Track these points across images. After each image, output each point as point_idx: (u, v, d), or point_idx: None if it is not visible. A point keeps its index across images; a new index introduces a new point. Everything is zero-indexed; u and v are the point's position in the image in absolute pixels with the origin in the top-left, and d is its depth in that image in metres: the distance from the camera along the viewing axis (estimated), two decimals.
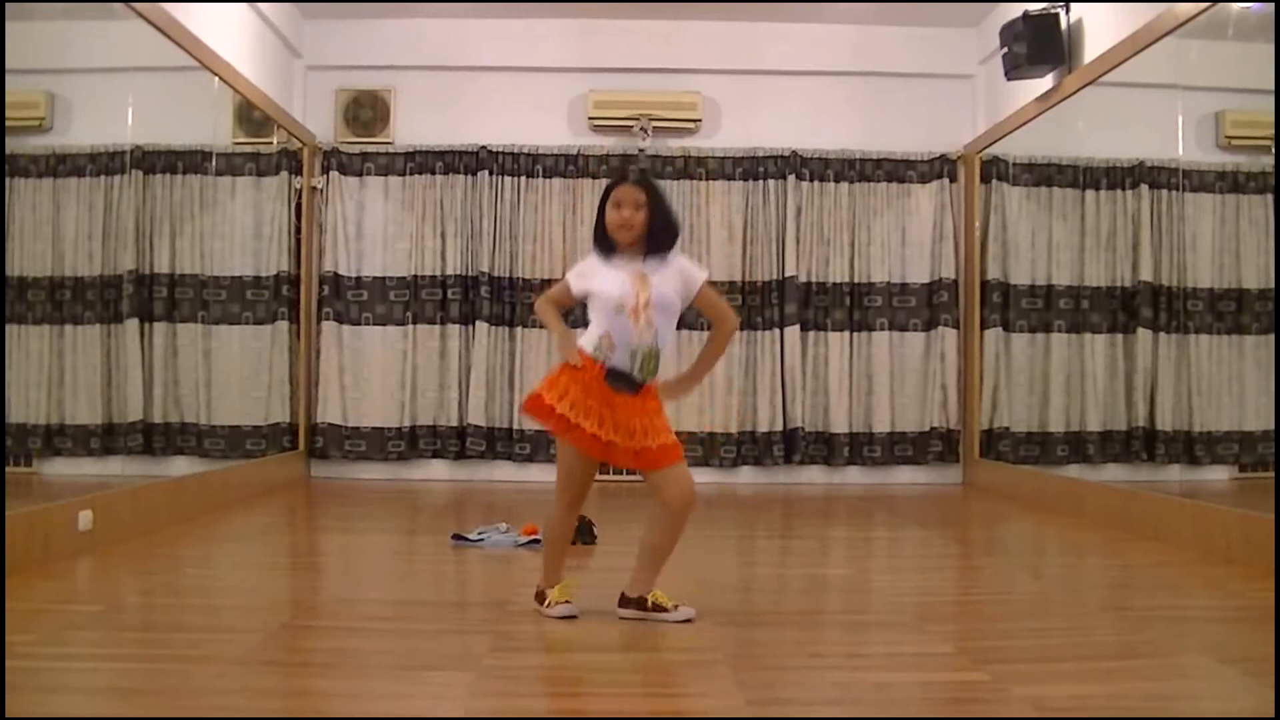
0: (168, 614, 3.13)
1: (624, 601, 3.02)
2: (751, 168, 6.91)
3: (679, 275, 3.02)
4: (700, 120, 6.91)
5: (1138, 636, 2.89)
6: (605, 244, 3.02)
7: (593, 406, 2.89)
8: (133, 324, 4.84)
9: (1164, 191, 5.26)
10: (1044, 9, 5.59)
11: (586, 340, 2.97)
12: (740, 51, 6.96)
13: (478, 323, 6.79)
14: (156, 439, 5.06)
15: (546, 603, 3.05)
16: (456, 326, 6.83)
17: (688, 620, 2.95)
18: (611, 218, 2.97)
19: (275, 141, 6.48)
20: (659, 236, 2.99)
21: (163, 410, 5.11)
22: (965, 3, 6.55)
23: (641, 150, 6.87)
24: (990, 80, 6.68)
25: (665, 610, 2.97)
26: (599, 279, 2.98)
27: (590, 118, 6.89)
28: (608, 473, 5.08)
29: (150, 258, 5.06)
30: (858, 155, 6.93)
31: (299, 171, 6.73)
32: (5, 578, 3.26)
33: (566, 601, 3.03)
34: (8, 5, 3.51)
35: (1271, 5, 4.16)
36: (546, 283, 6.80)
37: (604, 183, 6.52)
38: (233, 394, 5.94)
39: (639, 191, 2.98)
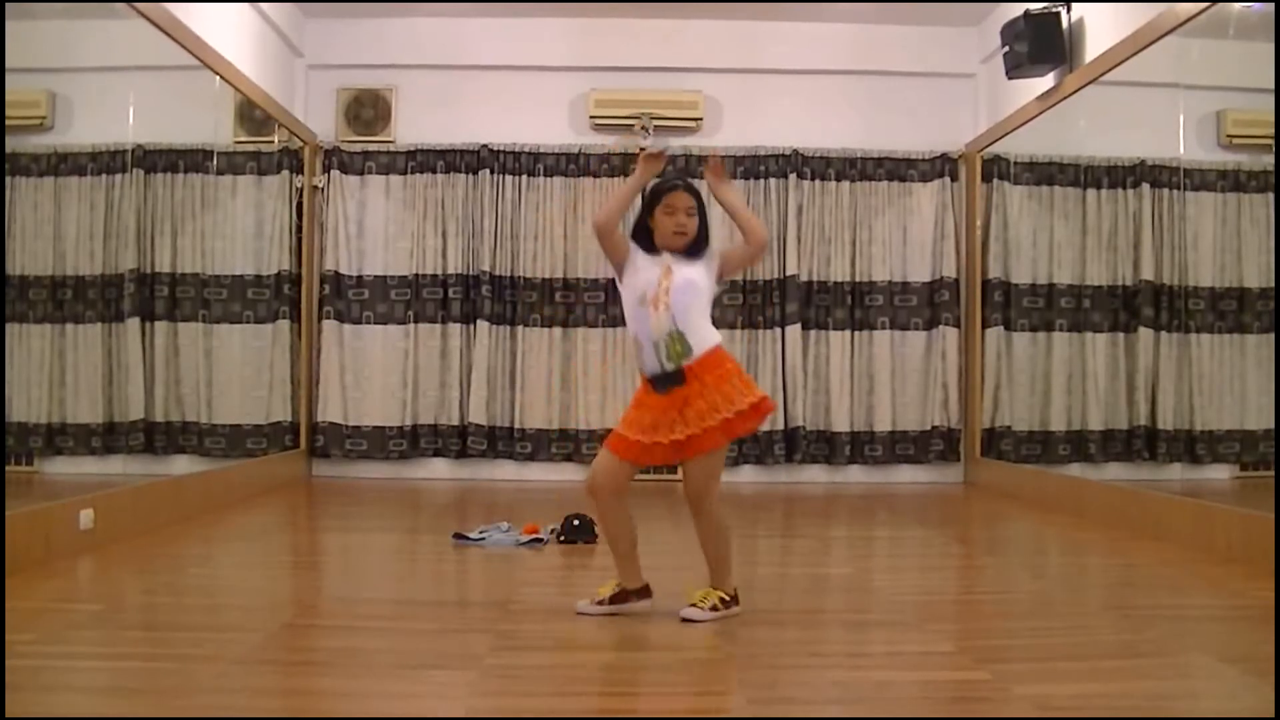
0: (169, 613, 3.13)
1: None
2: (753, 166, 6.90)
3: (704, 260, 3.05)
4: (702, 119, 6.90)
5: (1139, 636, 2.89)
6: (647, 241, 3.03)
7: (644, 417, 2.94)
8: (134, 323, 4.84)
9: (1165, 190, 5.26)
10: (1045, 8, 5.58)
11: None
12: (742, 50, 6.96)
13: (479, 321, 6.78)
14: (158, 438, 5.06)
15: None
16: (458, 325, 6.83)
17: (690, 621, 2.93)
18: (666, 224, 2.98)
19: (276, 140, 6.48)
20: (700, 242, 3.03)
21: (164, 409, 5.11)
22: (966, 2, 6.54)
23: (642, 150, 6.84)
24: (991, 79, 6.67)
25: (695, 605, 2.99)
26: (636, 265, 3.00)
27: (591, 116, 6.89)
28: None
29: (151, 257, 5.06)
30: (859, 154, 6.92)
31: (300, 170, 6.73)
32: (6, 577, 3.26)
33: (598, 600, 3.04)
34: (8, 4, 3.51)
35: (1271, 5, 4.16)
36: (548, 282, 6.83)
37: (604, 182, 6.73)
38: (234, 393, 5.94)
39: (690, 197, 3.01)
